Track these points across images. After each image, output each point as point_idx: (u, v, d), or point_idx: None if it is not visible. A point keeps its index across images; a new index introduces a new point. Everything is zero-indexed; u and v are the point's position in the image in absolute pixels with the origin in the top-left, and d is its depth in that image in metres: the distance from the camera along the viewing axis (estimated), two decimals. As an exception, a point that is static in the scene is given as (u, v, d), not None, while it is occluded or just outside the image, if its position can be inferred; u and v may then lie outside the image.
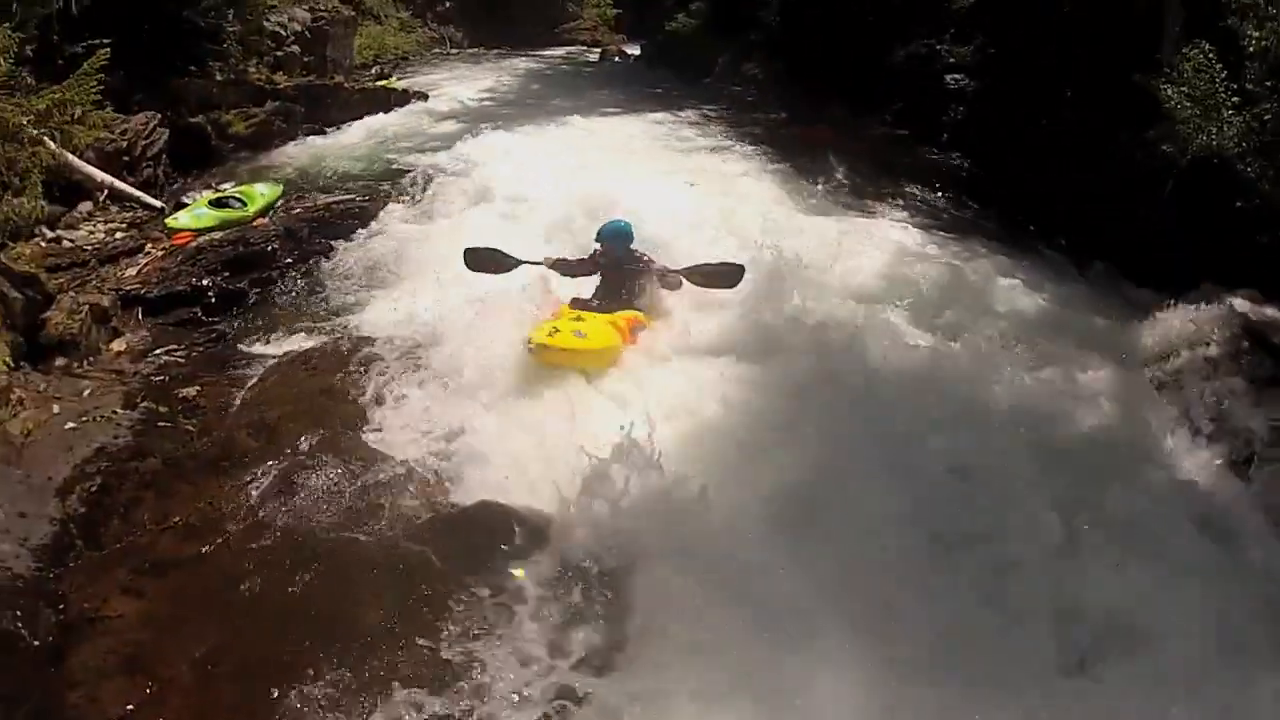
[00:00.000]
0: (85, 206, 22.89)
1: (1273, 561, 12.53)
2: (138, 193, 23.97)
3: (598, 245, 17.32)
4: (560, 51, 71.22)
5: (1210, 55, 17.95)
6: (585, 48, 73.55)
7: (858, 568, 11.27)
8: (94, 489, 12.03)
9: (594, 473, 12.29)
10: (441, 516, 12.05)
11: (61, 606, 10.29)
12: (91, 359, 15.99)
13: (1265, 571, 12.35)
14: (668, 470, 12.40)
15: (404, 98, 41.37)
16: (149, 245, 20.89)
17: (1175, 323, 17.07)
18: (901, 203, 26.24)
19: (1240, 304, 16.57)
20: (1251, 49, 17.23)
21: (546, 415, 14.06)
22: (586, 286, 17.54)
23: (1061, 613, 11.16)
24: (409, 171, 28.03)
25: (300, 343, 16.79)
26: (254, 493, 12.24)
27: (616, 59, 64.14)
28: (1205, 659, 10.70)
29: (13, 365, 14.42)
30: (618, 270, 17.19)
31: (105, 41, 21.26)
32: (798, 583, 11.01)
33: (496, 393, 14.56)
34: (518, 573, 11.14)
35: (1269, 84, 17.15)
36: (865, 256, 20.87)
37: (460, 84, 48.77)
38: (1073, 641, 10.92)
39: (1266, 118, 17.08)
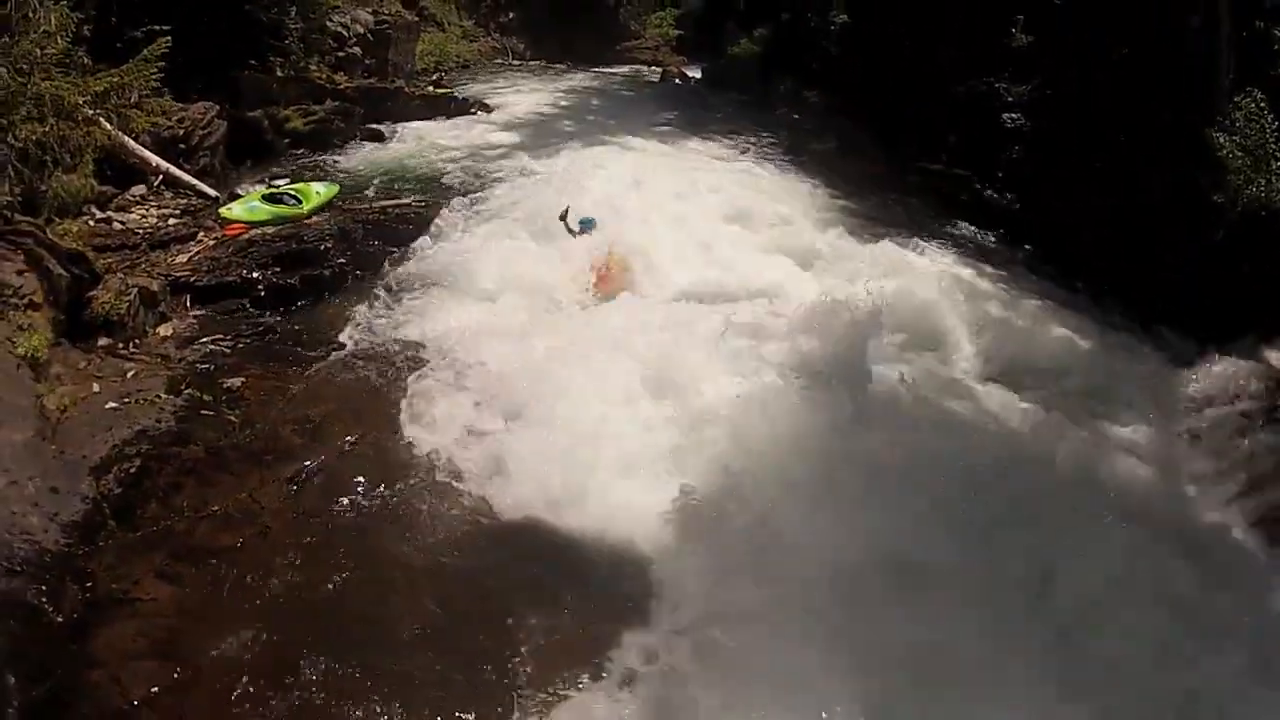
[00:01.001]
0: (138, 190, 22.78)
1: None
2: (193, 180, 23.88)
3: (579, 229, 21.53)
4: (621, 70, 70.91)
5: (1262, 103, 17.75)
6: (646, 67, 73.48)
7: (892, 620, 11.20)
8: (132, 470, 11.94)
9: (633, 496, 12.54)
10: (483, 529, 11.99)
11: (90, 585, 10.20)
12: (137, 342, 15.85)
13: None
14: (710, 493, 12.59)
15: (463, 106, 41.13)
16: (201, 234, 20.76)
17: (1216, 374, 17.11)
18: (952, 240, 26.04)
19: (1277, 357, 16.51)
20: None
21: (592, 431, 13.89)
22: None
23: (1084, 666, 11.13)
24: (465, 181, 27.90)
25: (347, 343, 16.70)
26: (295, 488, 12.23)
27: (677, 80, 63.79)
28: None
29: (53, 340, 14.25)
30: None
31: (165, 28, 21.17)
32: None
33: (542, 405, 14.41)
34: None
35: None
36: (912, 292, 20.61)
37: (520, 96, 48.13)
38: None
39: None
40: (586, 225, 21.72)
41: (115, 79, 19.82)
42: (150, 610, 10.05)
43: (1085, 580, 12.12)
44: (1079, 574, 12.20)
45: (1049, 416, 16.37)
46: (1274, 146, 17.57)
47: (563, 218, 21.78)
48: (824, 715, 10.05)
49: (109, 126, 19.83)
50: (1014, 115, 28.53)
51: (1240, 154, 17.89)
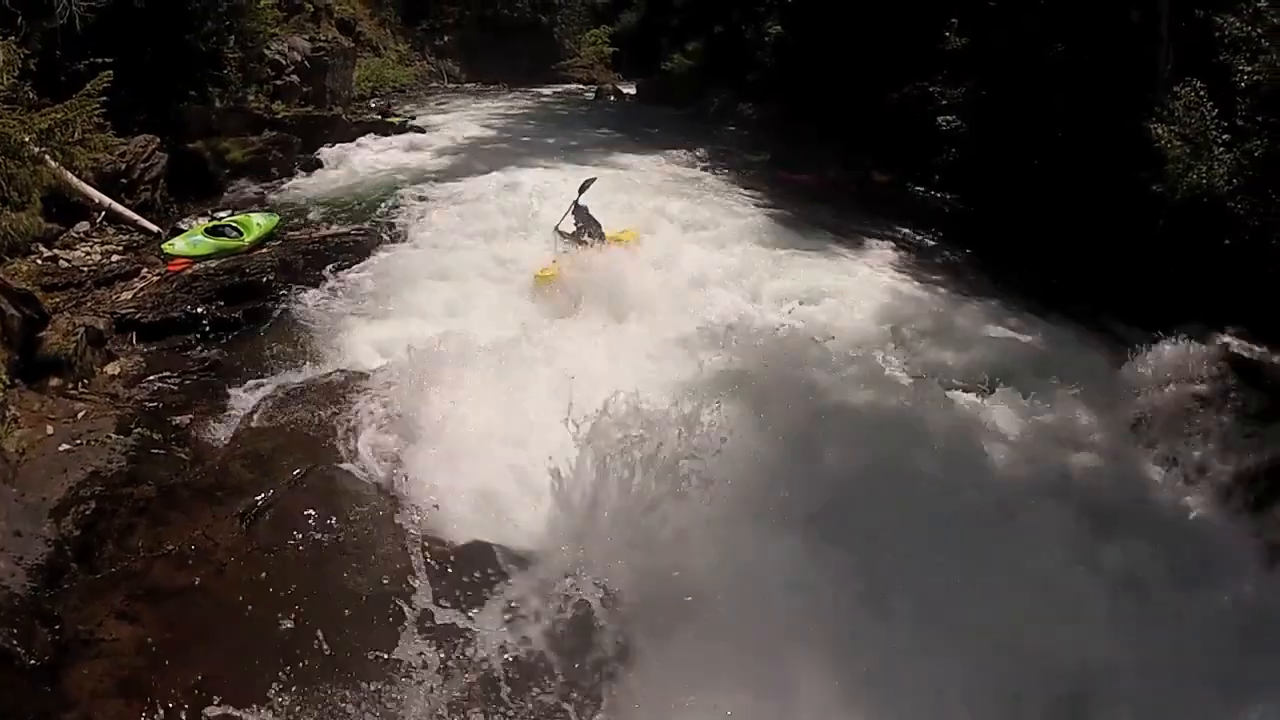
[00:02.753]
0: (82, 227, 22.99)
1: (1263, 594, 12.87)
2: (135, 216, 24.03)
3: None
4: (557, 89, 71.37)
5: (1201, 93, 18.12)
6: (582, 85, 73.88)
7: (842, 621, 11.56)
8: (88, 512, 12.03)
9: (580, 510, 12.75)
10: (434, 553, 12.09)
11: (58, 627, 10.36)
12: (86, 381, 15.98)
13: (1255, 604, 12.71)
14: (664, 514, 12.67)
15: (401, 131, 41.41)
16: (144, 270, 20.94)
17: (1164, 360, 17.25)
18: (891, 245, 26.54)
19: (1229, 341, 16.89)
20: (1243, 84, 17.36)
21: (535, 451, 13.85)
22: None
23: (1049, 657, 11.39)
24: (405, 205, 28.07)
25: (293, 375, 16.82)
26: (248, 524, 12.32)
27: (612, 97, 64.38)
28: (1196, 697, 11.14)
29: (8, 383, 14.37)
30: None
31: (107, 61, 21.30)
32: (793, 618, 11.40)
33: (485, 427, 14.66)
34: None
35: (1260, 119, 17.36)
36: (854, 296, 21.47)
37: (457, 119, 49.09)
38: (1067, 690, 11.25)
39: (1257, 153, 17.25)
40: (583, 210, 23.06)
41: (59, 115, 19.89)
42: (114, 650, 10.20)
43: (1043, 575, 12.42)
44: (1036, 568, 12.53)
45: (996, 412, 16.92)
46: (1214, 134, 17.88)
47: (583, 188, 23.28)
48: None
49: (54, 164, 19.93)
50: (949, 117, 29.12)
51: (1179, 143, 18.18)
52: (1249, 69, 17.20)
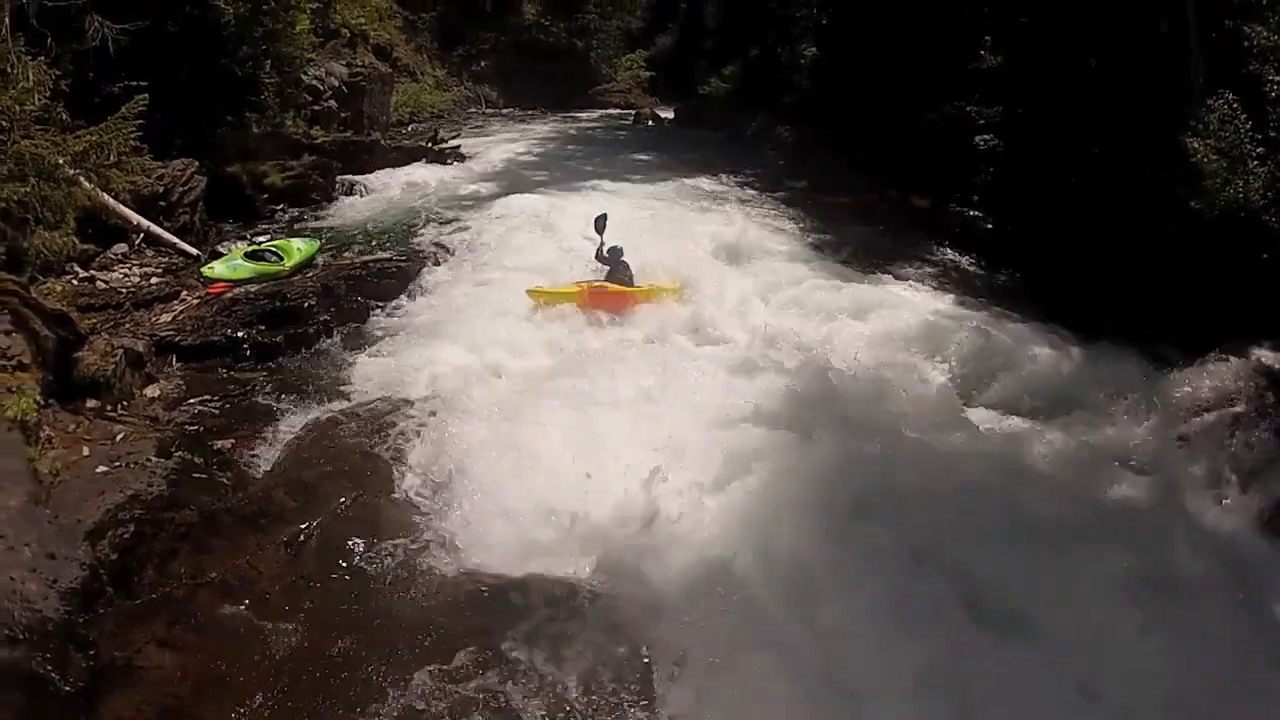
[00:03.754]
0: (120, 248, 22.85)
1: None
2: (174, 239, 23.91)
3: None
4: (594, 114, 71.61)
5: (1235, 105, 17.79)
6: (619, 110, 73.82)
7: (891, 639, 11.38)
8: (126, 536, 11.70)
9: (626, 545, 12.68)
10: (484, 584, 11.95)
11: (92, 653, 10.05)
12: (125, 403, 15.67)
13: None
14: (703, 541, 12.78)
15: (440, 157, 41.23)
16: (184, 292, 20.78)
17: (1202, 379, 17.05)
18: (931, 266, 26.50)
19: (1267, 357, 16.64)
20: (1273, 94, 17.07)
21: (583, 481, 13.87)
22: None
23: (1094, 676, 11.29)
24: (446, 232, 27.93)
25: (336, 402, 16.54)
26: (292, 553, 12.17)
27: (650, 122, 64.04)
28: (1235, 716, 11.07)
29: (42, 403, 14.08)
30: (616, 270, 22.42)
31: (142, 84, 21.16)
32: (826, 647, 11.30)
33: (530, 454, 14.48)
34: None
35: None
36: (896, 321, 21.23)
37: (495, 144, 48.91)
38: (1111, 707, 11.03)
39: None
40: (615, 252, 22.63)
41: (94, 137, 19.77)
42: (154, 678, 9.96)
43: (1089, 594, 12.24)
44: (1082, 588, 12.34)
45: (1040, 434, 16.70)
46: (1249, 147, 17.56)
47: (599, 226, 23.02)
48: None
49: (89, 185, 19.78)
50: (986, 137, 29.01)
51: (1215, 157, 17.87)
52: (1278, 79, 16.93)
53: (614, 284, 22.15)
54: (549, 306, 21.14)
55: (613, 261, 22.69)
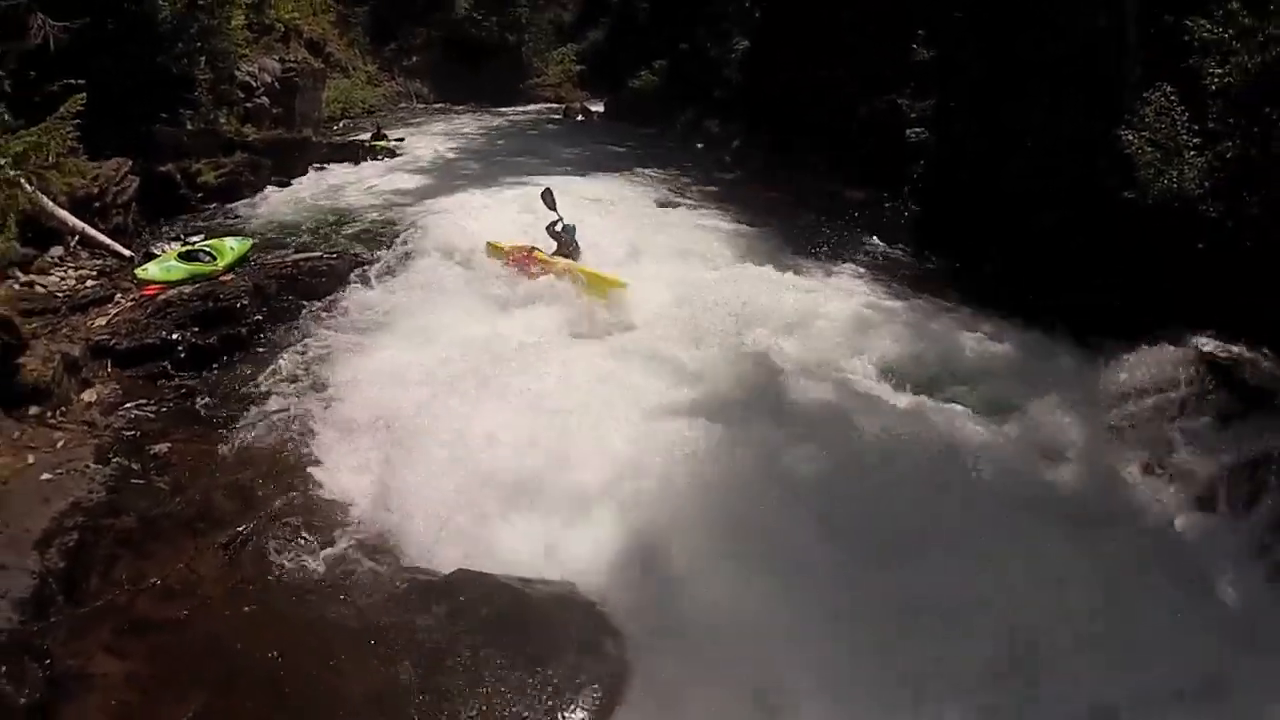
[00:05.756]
0: (56, 251, 22.84)
1: (1249, 593, 12.97)
2: (109, 241, 23.95)
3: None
4: (526, 108, 70.84)
5: (1172, 97, 18.19)
6: (550, 104, 73.89)
7: (825, 636, 11.63)
8: (71, 544, 11.97)
9: (565, 538, 13.16)
10: (419, 584, 12.18)
11: (48, 662, 10.31)
12: (64, 409, 15.85)
13: (1239, 602, 12.85)
14: (637, 530, 13.15)
15: (372, 153, 41.55)
16: (118, 295, 20.83)
17: (1140, 366, 17.21)
18: (863, 258, 26.66)
19: (1204, 343, 16.80)
20: (1214, 86, 17.43)
21: (520, 475, 14.23)
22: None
23: (1034, 664, 11.63)
24: (376, 228, 28.17)
25: (271, 402, 16.72)
26: (231, 556, 12.41)
27: (580, 117, 65.16)
28: (1185, 696, 11.31)
29: (-11, 412, 14.35)
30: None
31: (80, 83, 21.19)
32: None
33: (466, 451, 14.72)
34: None
35: (1231, 121, 17.37)
36: (828, 314, 21.41)
37: (426, 140, 49.13)
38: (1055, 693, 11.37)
39: (1229, 155, 17.29)
40: (569, 230, 23.50)
41: (34, 138, 19.81)
42: (105, 685, 10.19)
43: (1024, 585, 12.48)
44: (1020, 578, 12.59)
45: (975, 423, 16.92)
46: (1185, 138, 17.91)
47: (546, 201, 24.06)
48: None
49: (29, 188, 19.88)
50: (918, 130, 29.08)
51: (1150, 149, 18.19)
52: (1220, 71, 17.25)
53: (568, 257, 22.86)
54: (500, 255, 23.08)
55: (565, 239, 23.35)
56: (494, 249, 24.04)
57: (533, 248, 23.32)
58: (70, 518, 12.42)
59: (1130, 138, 18.57)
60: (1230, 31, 17.14)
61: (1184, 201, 17.58)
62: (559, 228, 23.35)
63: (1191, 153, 17.73)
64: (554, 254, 23.06)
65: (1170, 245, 17.85)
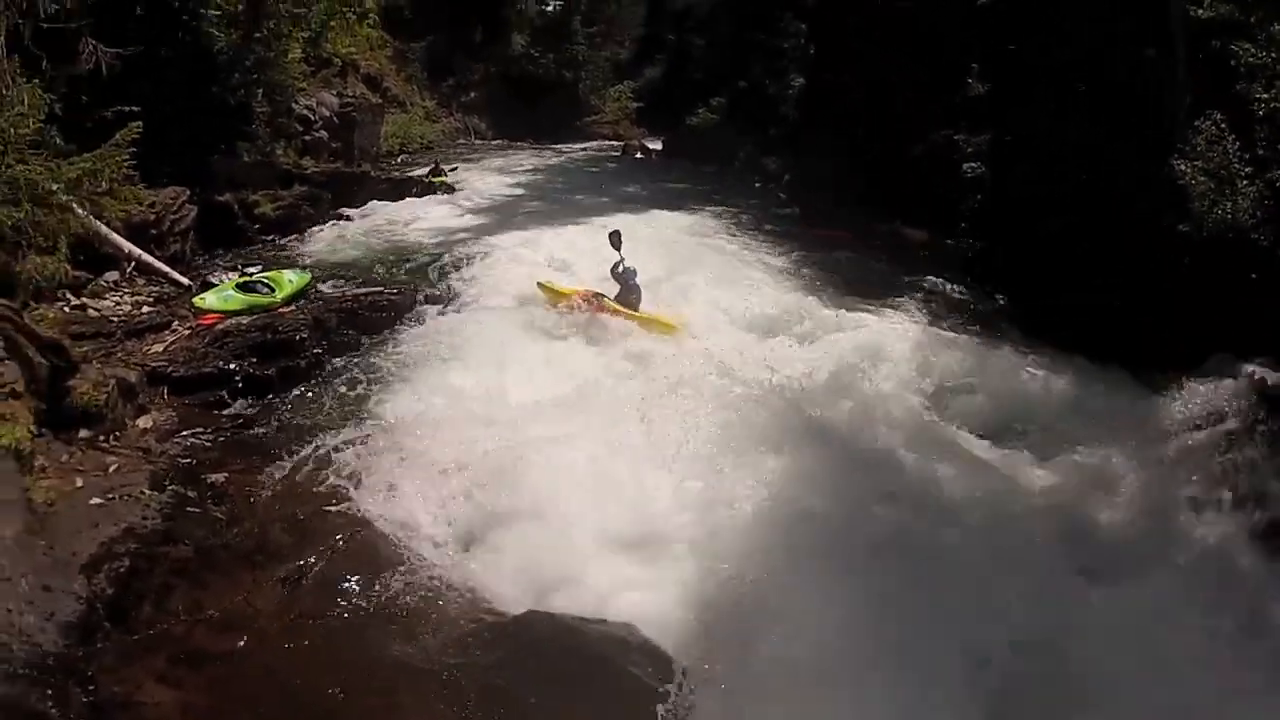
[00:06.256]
0: (111, 276, 22.71)
1: None
2: (165, 268, 23.78)
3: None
4: (583, 145, 72.78)
5: (1222, 125, 17.88)
6: (608, 141, 74.54)
7: (891, 683, 11.38)
8: (122, 570, 11.69)
9: (628, 577, 12.93)
10: (483, 624, 11.82)
11: (92, 688, 9.98)
12: (117, 434, 15.51)
13: None
14: (705, 568, 13.00)
15: (430, 189, 41.27)
16: (175, 323, 20.60)
17: (1196, 398, 17.23)
18: (922, 295, 26.46)
19: (1256, 373, 16.68)
20: (1261, 112, 17.10)
21: (581, 511, 14.02)
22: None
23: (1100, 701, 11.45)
24: (437, 265, 27.82)
25: (329, 436, 16.29)
26: (289, 590, 12.08)
27: (638, 155, 64.59)
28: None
29: (36, 432, 13.96)
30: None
31: (134, 110, 21.09)
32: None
33: (529, 487, 14.41)
34: None
35: (1279, 147, 17.06)
36: (889, 352, 21.18)
37: (485, 176, 48.99)
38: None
39: (1279, 183, 16.96)
40: (629, 273, 23.45)
41: (88, 165, 19.67)
42: (154, 715, 9.87)
43: (1090, 623, 12.52)
44: (1075, 615, 12.68)
45: (1030, 459, 17.04)
46: (1238, 167, 17.68)
47: (613, 242, 23.90)
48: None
49: (82, 213, 19.69)
50: (974, 165, 28.87)
51: (1203, 179, 18.07)
52: (1266, 96, 17.06)
53: (619, 303, 22.75)
54: (552, 305, 22.68)
55: (625, 281, 23.31)
56: (548, 291, 23.61)
57: (597, 293, 23.06)
58: (121, 543, 12.13)
59: (1184, 168, 18.36)
60: (1274, 55, 16.92)
61: (1237, 231, 17.43)
62: (620, 269, 23.28)
63: (1244, 181, 17.51)
64: (616, 297, 22.99)
65: (1224, 276, 17.77)
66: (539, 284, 23.58)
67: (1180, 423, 17.02)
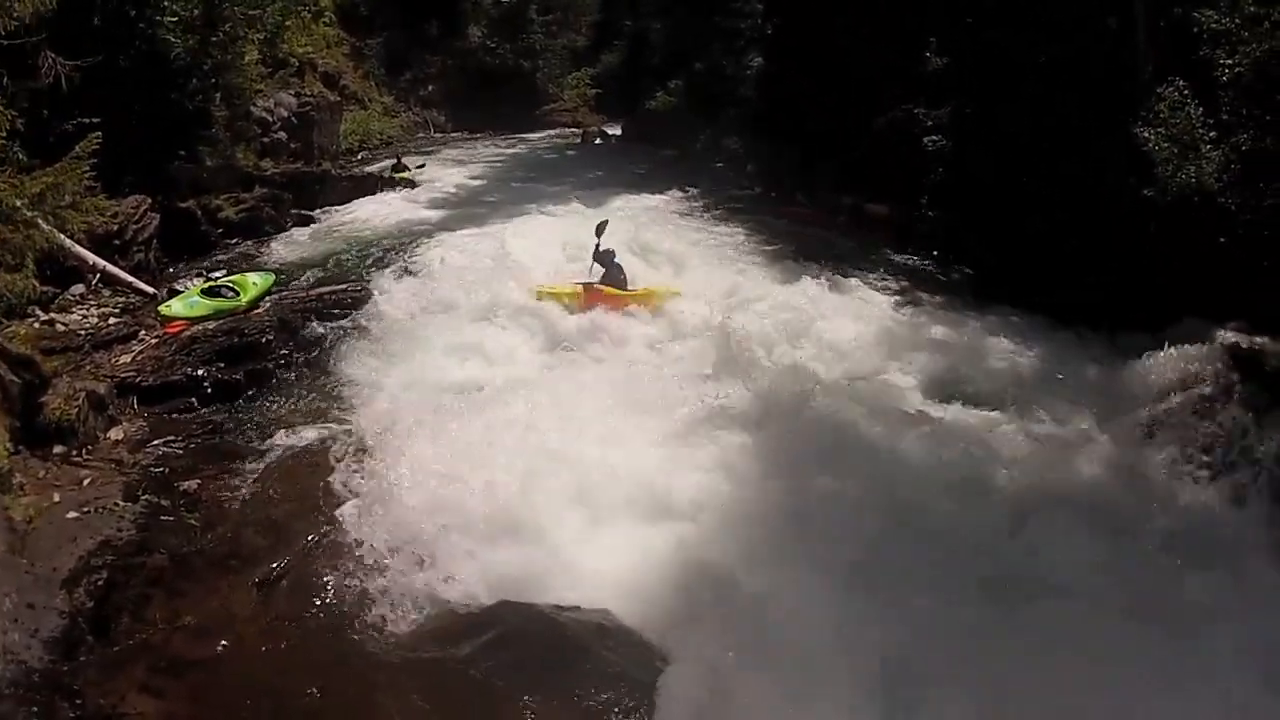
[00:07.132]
0: (78, 289, 22.73)
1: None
2: (130, 278, 23.79)
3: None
4: (543, 133, 72.31)
5: (1185, 91, 18.09)
6: (567, 129, 74.33)
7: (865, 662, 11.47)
8: (101, 583, 11.88)
9: (601, 563, 13.03)
10: (459, 617, 12.03)
11: (78, 701, 10.16)
12: (90, 447, 15.69)
13: (1273, 594, 12.78)
14: (679, 552, 13.16)
15: (391, 184, 41.28)
16: (142, 332, 20.72)
17: (1167, 363, 17.37)
18: (887, 269, 26.55)
19: (1228, 336, 16.90)
20: (1225, 78, 17.30)
21: (553, 499, 14.18)
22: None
23: (1066, 662, 11.44)
24: (399, 260, 27.68)
25: (299, 436, 16.53)
26: (265, 593, 12.24)
27: (598, 140, 65.52)
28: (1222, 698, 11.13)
29: (12, 450, 14.13)
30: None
31: (95, 122, 21.05)
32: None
33: (500, 478, 14.50)
34: None
35: (1244, 112, 17.34)
36: (857, 324, 21.61)
37: (445, 169, 48.92)
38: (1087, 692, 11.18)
39: (1244, 147, 17.27)
40: (608, 255, 24.18)
41: (50, 178, 19.68)
42: None
43: (1065, 583, 12.67)
44: (1058, 577, 12.79)
45: (1006, 427, 17.01)
46: (1201, 131, 17.87)
47: (598, 232, 24.41)
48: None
49: (47, 228, 19.76)
50: (935, 138, 28.78)
51: (1167, 144, 18.19)
52: (1230, 62, 17.21)
53: (609, 285, 23.37)
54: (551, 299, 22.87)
55: (606, 264, 23.98)
56: (548, 295, 23.54)
57: (589, 283, 23.61)
58: (99, 556, 12.31)
59: (1147, 134, 18.49)
60: (1237, 20, 17.07)
61: (1203, 196, 17.57)
62: (600, 251, 23.79)
63: (1208, 146, 17.67)
64: (602, 279, 23.51)
65: (1191, 239, 17.91)
66: (539, 290, 23.56)
67: (1154, 387, 17.14)
